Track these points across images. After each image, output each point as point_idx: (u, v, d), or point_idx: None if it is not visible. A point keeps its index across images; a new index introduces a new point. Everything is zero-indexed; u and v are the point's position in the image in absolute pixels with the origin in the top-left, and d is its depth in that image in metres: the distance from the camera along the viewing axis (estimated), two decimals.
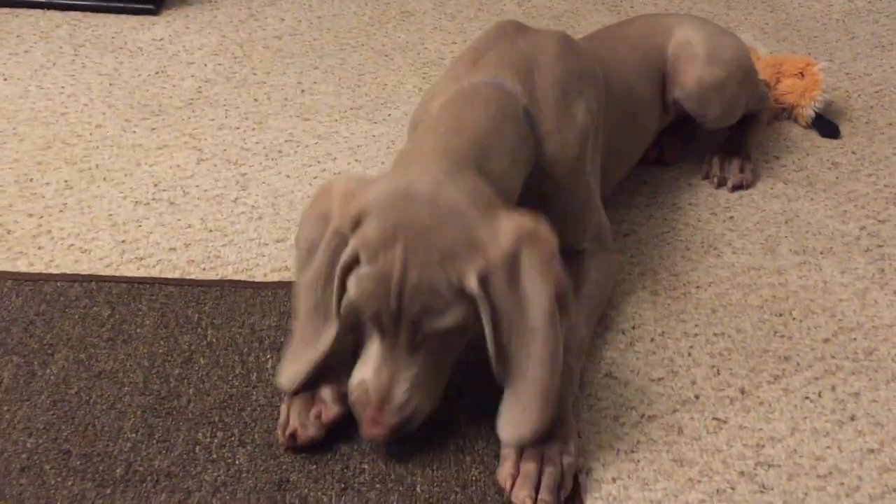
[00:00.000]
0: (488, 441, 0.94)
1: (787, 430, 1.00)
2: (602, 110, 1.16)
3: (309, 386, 0.93)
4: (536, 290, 0.85)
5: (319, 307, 0.90)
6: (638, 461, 0.95)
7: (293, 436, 0.90)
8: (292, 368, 0.92)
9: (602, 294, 1.13)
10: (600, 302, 1.12)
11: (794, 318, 1.17)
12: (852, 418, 1.02)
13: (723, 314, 1.17)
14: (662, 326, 1.14)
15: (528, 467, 0.87)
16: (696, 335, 1.13)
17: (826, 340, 1.14)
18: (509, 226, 0.85)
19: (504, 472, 0.88)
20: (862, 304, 1.20)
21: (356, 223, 0.86)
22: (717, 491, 0.92)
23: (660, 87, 1.37)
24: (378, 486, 0.89)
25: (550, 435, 0.88)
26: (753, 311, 1.18)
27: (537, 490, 0.86)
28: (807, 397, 1.05)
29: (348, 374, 0.92)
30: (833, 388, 1.06)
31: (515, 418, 0.87)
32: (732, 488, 0.93)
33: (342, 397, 0.93)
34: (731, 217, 1.37)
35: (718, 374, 1.08)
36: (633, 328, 1.14)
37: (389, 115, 1.60)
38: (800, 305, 1.19)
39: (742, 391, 1.05)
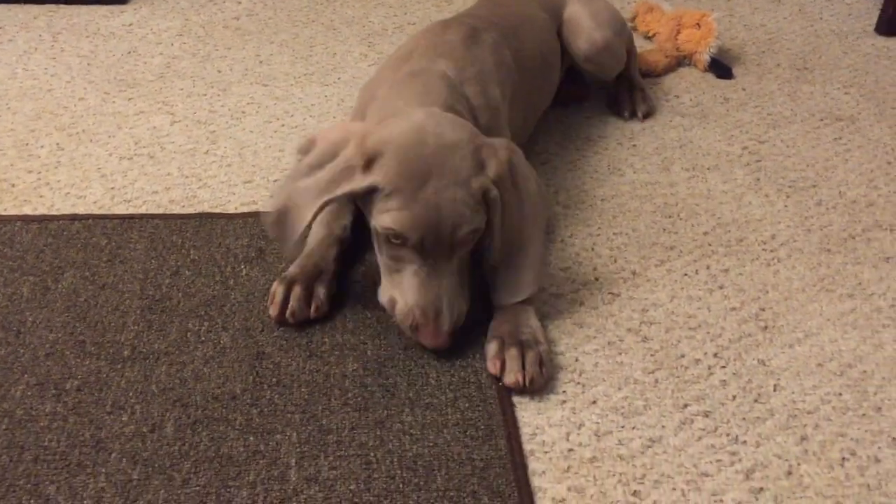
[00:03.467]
0: None
1: (668, 298, 1.24)
2: (512, 83, 1.37)
3: (306, 281, 1.15)
4: (529, 183, 1.13)
5: (308, 204, 1.09)
6: (546, 326, 1.18)
7: (292, 314, 1.12)
8: (281, 241, 1.12)
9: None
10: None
11: (680, 219, 1.41)
12: (721, 287, 1.26)
13: (622, 219, 1.40)
14: (571, 230, 1.37)
15: (512, 352, 1.07)
16: (598, 235, 1.36)
17: (706, 233, 1.37)
18: (498, 144, 1.11)
19: (492, 360, 1.08)
20: (738, 205, 1.44)
21: (370, 161, 1.05)
22: (609, 343, 1.16)
23: (559, 40, 1.60)
24: (336, 353, 1.11)
25: (521, 325, 1.10)
26: (647, 215, 1.41)
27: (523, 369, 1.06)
28: (685, 274, 1.28)
29: (335, 279, 1.18)
30: (708, 267, 1.30)
31: (514, 286, 1.12)
32: (621, 340, 1.16)
33: (331, 297, 1.16)
34: (634, 145, 1.61)
35: (615, 261, 1.31)
36: (547, 233, 1.37)
37: (339, 78, 1.81)
38: (686, 209, 1.43)
39: (633, 273, 1.29)
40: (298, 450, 0.98)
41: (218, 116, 1.66)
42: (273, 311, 1.14)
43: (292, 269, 1.18)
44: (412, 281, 1.08)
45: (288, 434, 1.00)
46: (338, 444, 0.99)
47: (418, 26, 2.01)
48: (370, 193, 1.07)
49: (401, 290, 1.09)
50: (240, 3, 2.14)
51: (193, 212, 1.38)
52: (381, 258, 1.12)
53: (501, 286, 1.13)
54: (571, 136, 1.63)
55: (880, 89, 1.81)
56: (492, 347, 1.09)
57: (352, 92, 1.74)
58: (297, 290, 1.14)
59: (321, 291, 1.16)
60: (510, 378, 1.06)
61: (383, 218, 1.05)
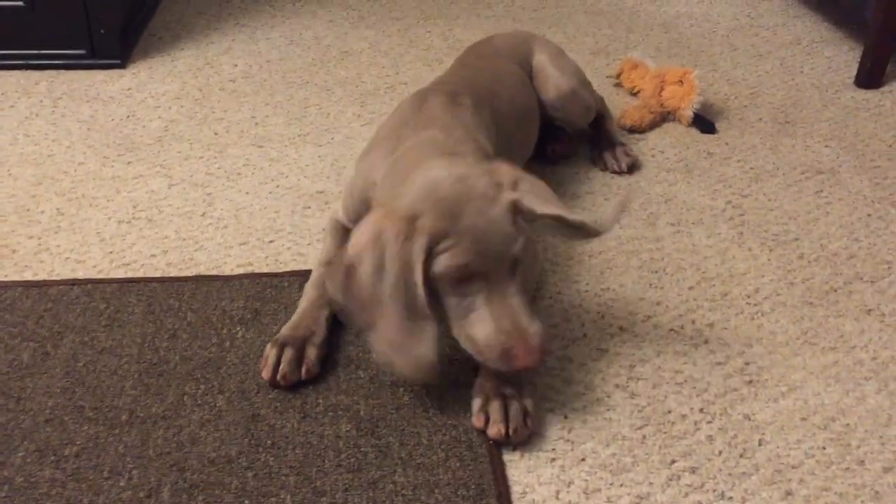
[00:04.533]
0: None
1: (654, 353, 1.26)
2: (493, 136, 1.40)
3: (296, 343, 1.18)
4: (537, 201, 1.12)
5: (411, 306, 1.06)
6: (535, 383, 1.20)
7: (283, 377, 1.15)
8: (410, 361, 1.07)
9: None
10: None
11: (666, 273, 1.44)
12: (706, 342, 1.29)
13: (609, 274, 1.44)
14: (560, 286, 1.41)
15: (495, 405, 1.10)
16: (586, 291, 1.40)
17: (691, 288, 1.41)
18: (503, 168, 1.14)
19: (476, 415, 1.10)
20: (722, 259, 1.48)
21: (411, 224, 1.06)
22: (597, 399, 1.18)
23: (532, 90, 1.67)
24: (330, 413, 1.14)
25: (504, 379, 1.12)
26: (634, 270, 1.45)
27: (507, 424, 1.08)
28: (672, 329, 1.31)
29: (327, 340, 1.22)
30: (693, 322, 1.33)
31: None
32: (609, 396, 1.19)
33: (322, 359, 1.19)
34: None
35: (603, 318, 1.34)
36: (536, 289, 1.40)
37: (332, 138, 1.86)
38: (672, 264, 1.47)
39: (621, 328, 1.31)
40: None
41: (214, 178, 1.70)
42: (265, 374, 1.16)
43: (284, 331, 1.21)
44: (485, 311, 1.08)
45: (282, 497, 1.02)
46: None
47: (410, 86, 2.07)
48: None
49: (477, 325, 1.09)
50: (236, 65, 2.20)
51: (190, 274, 1.41)
52: (449, 310, 1.10)
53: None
54: (559, 192, 1.67)
55: (860, 141, 1.86)
56: (476, 402, 1.12)
57: (344, 152, 1.79)
58: (288, 353, 1.17)
59: (312, 353, 1.19)
60: (493, 430, 1.08)
61: (441, 262, 1.06)
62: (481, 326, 1.08)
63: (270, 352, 1.18)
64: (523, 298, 1.10)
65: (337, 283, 1.10)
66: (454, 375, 1.19)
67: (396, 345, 1.06)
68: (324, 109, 1.99)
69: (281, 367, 1.16)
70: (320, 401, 1.15)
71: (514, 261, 1.10)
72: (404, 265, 1.05)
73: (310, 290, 1.28)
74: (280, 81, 2.13)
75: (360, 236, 1.09)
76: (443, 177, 1.10)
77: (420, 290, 1.05)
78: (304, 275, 1.39)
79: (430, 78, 1.73)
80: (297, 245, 1.50)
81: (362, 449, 1.08)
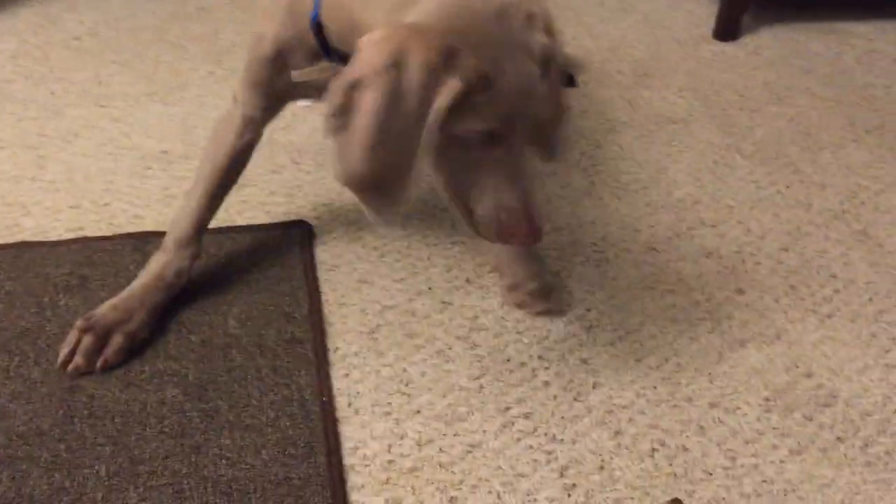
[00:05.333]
0: (251, 335, 1.15)
1: (498, 305, 1.26)
2: None
3: (102, 329, 1.09)
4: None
5: (411, 150, 0.86)
6: (376, 338, 1.18)
7: (76, 367, 1.06)
8: (385, 202, 0.90)
9: None
10: None
11: None
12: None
13: (458, 228, 1.42)
14: (408, 241, 1.38)
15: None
16: (435, 245, 1.38)
17: (546, 234, 1.41)
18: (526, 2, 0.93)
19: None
20: (573, 209, 1.48)
21: (449, 59, 0.83)
22: (437, 352, 1.17)
23: None
24: (156, 380, 1.08)
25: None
26: None
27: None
28: None
29: (148, 326, 1.12)
30: None
31: None
32: (450, 348, 1.17)
33: (131, 347, 1.10)
34: None
35: (450, 270, 1.32)
36: (384, 245, 1.37)
37: (182, 97, 1.77)
38: None
39: (467, 280, 1.30)
40: (106, 483, 0.95)
41: (48, 140, 1.59)
42: (58, 360, 1.08)
43: (99, 310, 1.12)
44: (490, 182, 0.93)
45: (97, 468, 0.96)
46: (149, 475, 0.96)
47: None
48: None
49: (479, 195, 0.94)
50: (82, 22, 2.07)
51: (13, 241, 1.32)
52: (450, 167, 0.93)
53: None
54: None
55: (713, 92, 1.90)
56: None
57: (194, 111, 1.71)
58: (86, 341, 1.08)
59: (117, 341, 1.09)
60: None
61: (467, 121, 0.87)
62: (484, 198, 0.94)
63: (71, 335, 1.09)
64: (531, 172, 0.95)
65: (334, 104, 0.85)
66: (289, 333, 1.15)
67: (378, 182, 0.88)
68: (175, 67, 1.89)
69: (75, 358, 1.07)
70: (146, 367, 1.10)
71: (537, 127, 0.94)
72: (425, 104, 0.84)
73: (152, 265, 1.18)
74: (129, 39, 2.01)
75: (375, 54, 0.83)
76: (488, 10, 0.87)
77: (432, 141, 0.86)
78: (140, 238, 1.32)
79: None
80: (135, 207, 1.42)
81: (188, 414, 1.04)
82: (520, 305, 1.20)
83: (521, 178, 0.94)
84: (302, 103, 1.78)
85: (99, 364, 1.08)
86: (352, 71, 0.85)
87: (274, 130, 1.69)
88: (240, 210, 1.45)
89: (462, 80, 0.84)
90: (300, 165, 1.58)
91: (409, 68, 0.83)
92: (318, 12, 1.00)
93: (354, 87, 0.84)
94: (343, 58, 0.98)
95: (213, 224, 1.25)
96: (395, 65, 0.82)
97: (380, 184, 0.88)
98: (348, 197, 1.48)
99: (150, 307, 1.14)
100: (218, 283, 1.25)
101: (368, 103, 0.83)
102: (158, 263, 1.18)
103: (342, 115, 0.85)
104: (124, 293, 1.15)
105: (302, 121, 1.72)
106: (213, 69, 1.89)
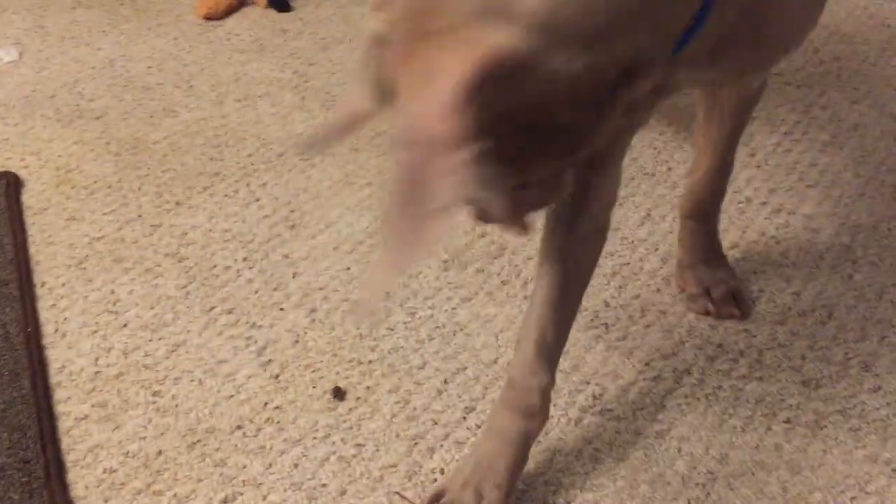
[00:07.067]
0: None
1: (207, 219, 1.34)
2: None
3: None
4: None
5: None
6: (84, 268, 1.23)
7: None
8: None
9: None
10: None
11: (227, 146, 1.51)
12: (257, 200, 1.38)
13: (171, 157, 1.48)
14: (119, 176, 1.43)
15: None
16: (146, 176, 1.43)
17: (249, 155, 1.49)
18: None
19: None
20: (283, 124, 1.57)
21: None
22: (146, 270, 1.24)
23: None
24: None
25: None
26: (197, 148, 1.50)
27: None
28: (226, 195, 1.39)
29: None
30: (248, 185, 1.42)
31: None
32: (158, 265, 1.25)
33: None
34: (191, 86, 1.68)
35: (161, 196, 1.38)
36: (94, 183, 1.40)
37: None
38: (234, 136, 1.54)
39: (177, 203, 1.37)
40: None
41: None
42: None
43: None
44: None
45: None
46: None
47: None
48: None
49: None
50: None
51: None
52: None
53: None
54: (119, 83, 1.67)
55: None
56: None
57: None
58: None
59: None
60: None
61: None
62: None
63: None
64: None
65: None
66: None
67: None
68: None
69: None
70: None
71: None
72: None
73: None
74: None
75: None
76: None
77: None
78: None
79: None
80: None
81: None
82: (706, 313, 1.15)
83: None
84: (5, 58, 1.75)
85: None
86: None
87: None
88: None
89: None
90: (6, 119, 1.57)
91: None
92: None
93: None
94: None
95: None
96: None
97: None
98: (57, 146, 1.50)
99: None
100: None
101: None
102: None
103: None
104: None
105: (7, 76, 1.69)
106: None
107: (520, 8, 0.54)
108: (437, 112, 0.53)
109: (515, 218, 0.70)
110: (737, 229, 1.30)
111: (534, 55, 0.55)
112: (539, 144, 0.62)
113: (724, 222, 1.23)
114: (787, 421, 1.01)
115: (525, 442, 0.91)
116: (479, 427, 1.01)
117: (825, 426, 1.00)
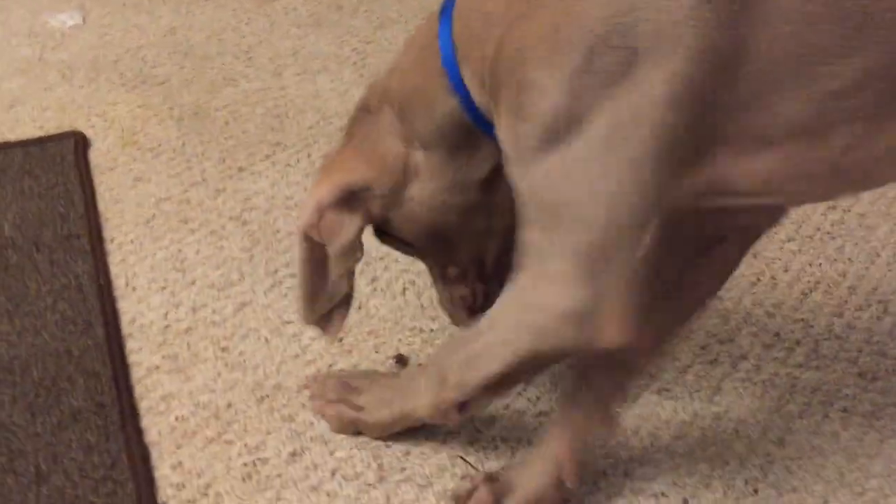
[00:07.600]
0: (26, 236, 1.20)
1: (269, 186, 1.36)
2: None
3: None
4: None
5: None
6: (152, 227, 1.26)
7: None
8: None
9: None
10: None
11: (288, 117, 1.53)
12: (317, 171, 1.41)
13: (233, 125, 1.50)
14: (183, 140, 1.45)
15: None
16: (209, 142, 1.46)
17: (310, 127, 1.51)
18: None
19: None
20: (342, 100, 1.59)
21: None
22: (211, 232, 1.26)
23: None
24: None
25: None
26: (258, 117, 1.53)
27: None
28: (288, 164, 1.41)
29: None
30: (309, 156, 1.44)
31: None
32: (223, 228, 1.27)
33: None
34: (250, 57, 1.70)
35: (224, 161, 1.41)
36: (159, 146, 1.43)
37: None
38: (294, 108, 1.56)
39: (240, 169, 1.40)
40: None
41: None
42: None
43: None
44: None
45: None
46: None
47: None
48: None
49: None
50: None
51: None
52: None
53: None
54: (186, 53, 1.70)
55: None
56: None
57: None
58: None
59: None
60: None
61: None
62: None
63: None
64: None
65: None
66: (66, 230, 1.21)
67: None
68: None
69: None
70: None
71: None
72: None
73: None
74: None
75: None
76: None
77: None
78: None
79: None
80: None
81: None
82: None
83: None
84: (69, 22, 1.78)
85: None
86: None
87: (44, 49, 1.70)
88: (11, 127, 1.46)
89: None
90: (72, 81, 1.60)
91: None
92: None
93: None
94: None
95: None
96: None
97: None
98: (122, 108, 1.53)
99: None
100: None
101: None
102: None
103: None
104: None
105: (72, 39, 1.72)
106: None
107: None
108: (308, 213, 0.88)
109: (453, 308, 0.98)
110: (792, 224, 1.31)
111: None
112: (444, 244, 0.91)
113: None
114: (844, 410, 1.03)
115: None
116: (539, 398, 1.03)
117: (882, 417, 1.02)
